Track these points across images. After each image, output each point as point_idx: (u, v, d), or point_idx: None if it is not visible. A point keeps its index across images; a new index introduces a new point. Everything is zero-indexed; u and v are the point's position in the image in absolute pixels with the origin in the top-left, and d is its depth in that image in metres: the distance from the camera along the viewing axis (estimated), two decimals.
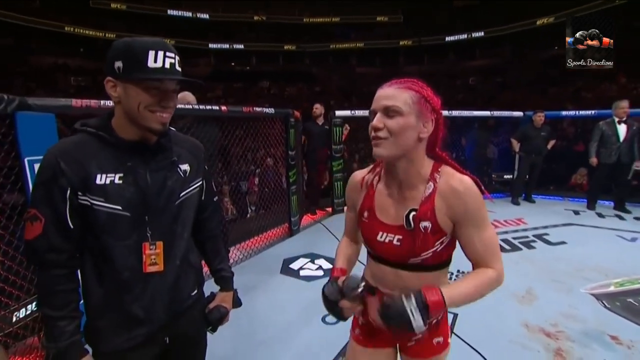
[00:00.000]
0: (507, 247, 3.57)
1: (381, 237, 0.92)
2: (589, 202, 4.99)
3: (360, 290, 0.91)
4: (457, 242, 0.93)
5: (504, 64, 21.38)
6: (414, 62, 24.07)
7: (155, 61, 0.79)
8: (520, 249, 3.50)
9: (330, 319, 2.29)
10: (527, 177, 5.35)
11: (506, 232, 3.98)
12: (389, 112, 0.83)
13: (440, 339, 1.00)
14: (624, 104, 4.57)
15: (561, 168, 6.53)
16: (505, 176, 5.91)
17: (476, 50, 23.53)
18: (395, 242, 0.90)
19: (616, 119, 4.60)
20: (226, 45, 25.42)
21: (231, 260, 3.19)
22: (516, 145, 5.29)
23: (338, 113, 4.83)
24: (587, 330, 2.13)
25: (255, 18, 25.29)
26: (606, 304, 2.43)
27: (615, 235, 3.84)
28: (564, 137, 7.76)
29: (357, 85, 22.52)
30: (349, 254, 1.12)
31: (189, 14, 24.51)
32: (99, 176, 0.82)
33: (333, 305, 0.95)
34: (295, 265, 3.22)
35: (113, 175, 0.83)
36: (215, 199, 1.13)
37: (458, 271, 2.89)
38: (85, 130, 0.86)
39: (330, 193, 5.03)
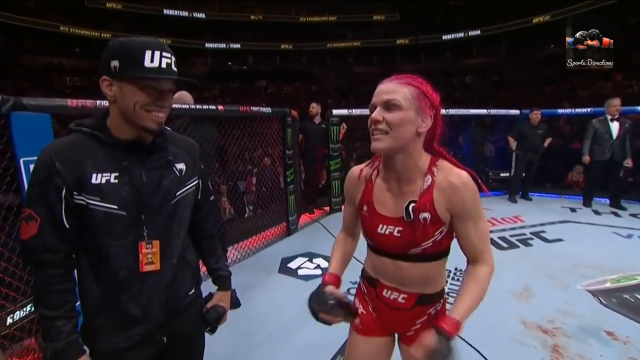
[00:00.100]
0: (504, 244, 3.58)
1: (381, 229, 0.94)
2: (585, 200, 5.03)
3: (329, 307, 0.95)
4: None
5: (501, 63, 21.46)
6: (410, 61, 24.09)
7: (152, 61, 0.80)
8: (518, 247, 3.51)
9: None
10: (524, 174, 5.37)
11: (503, 230, 4.00)
12: (389, 105, 0.85)
13: None
14: (616, 101, 4.62)
15: (558, 166, 6.56)
16: (502, 174, 5.93)
17: (473, 48, 23.60)
18: (395, 233, 0.92)
19: (609, 117, 4.65)
20: (223, 45, 25.36)
21: (229, 260, 3.18)
22: (513, 143, 5.31)
23: (335, 112, 4.83)
24: (583, 327, 2.14)
25: (252, 17, 25.23)
26: (602, 300, 2.44)
27: (611, 232, 3.87)
28: (560, 135, 7.79)
29: (354, 84, 22.53)
30: (344, 251, 1.14)
31: (185, 14, 24.42)
32: (94, 176, 0.82)
33: (315, 314, 0.98)
34: (293, 265, 3.22)
35: (109, 174, 0.83)
36: (211, 198, 1.13)
37: (456, 269, 2.91)
38: (80, 130, 0.86)
39: (328, 192, 5.03)
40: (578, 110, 5.75)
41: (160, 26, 23.12)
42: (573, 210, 4.83)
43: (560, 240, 3.66)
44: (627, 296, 2.48)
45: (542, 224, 4.17)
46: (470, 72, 22.06)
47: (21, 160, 1.65)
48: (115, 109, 0.85)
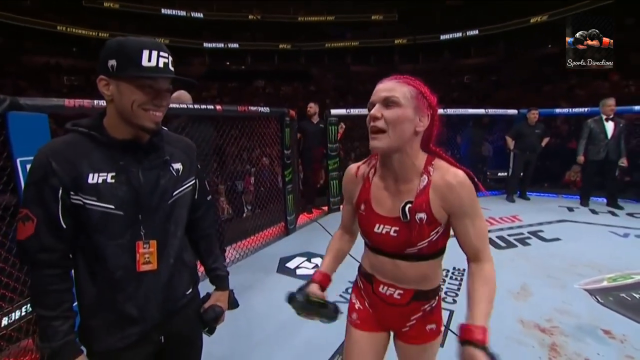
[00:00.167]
0: (502, 244, 3.59)
1: (378, 228, 0.95)
2: (581, 199, 5.05)
3: (305, 307, 1.00)
4: (450, 238, 0.95)
5: (499, 62, 21.51)
6: (409, 61, 24.12)
7: (150, 60, 0.80)
8: (515, 246, 3.53)
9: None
10: (522, 174, 5.39)
11: (501, 229, 4.01)
12: (388, 102, 0.86)
13: (433, 325, 1.03)
14: (611, 101, 4.64)
15: (555, 165, 6.59)
16: (500, 174, 5.95)
17: (471, 48, 23.65)
18: (392, 233, 0.93)
19: (604, 117, 4.67)
20: (221, 45, 25.31)
21: (227, 260, 3.18)
22: (511, 143, 5.32)
23: (333, 112, 4.83)
24: (580, 325, 2.15)
25: (250, 17, 25.20)
26: (599, 299, 2.46)
27: (608, 231, 3.89)
28: (557, 134, 7.82)
29: (352, 84, 22.55)
30: (338, 249, 1.17)
31: (183, 13, 24.36)
32: (91, 175, 0.82)
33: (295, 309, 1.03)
34: (291, 264, 3.22)
35: (105, 174, 0.83)
36: (208, 198, 1.13)
37: (454, 268, 2.92)
38: (76, 130, 0.86)
39: (326, 192, 5.02)
40: (575, 110, 5.77)
41: (158, 26, 23.05)
42: (570, 209, 4.85)
43: (557, 239, 3.67)
44: (624, 295, 2.49)
45: (540, 224, 4.18)
46: (468, 72, 22.11)
47: (18, 160, 1.64)
48: (112, 108, 0.85)
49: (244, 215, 5.56)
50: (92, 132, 0.84)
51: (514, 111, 5.80)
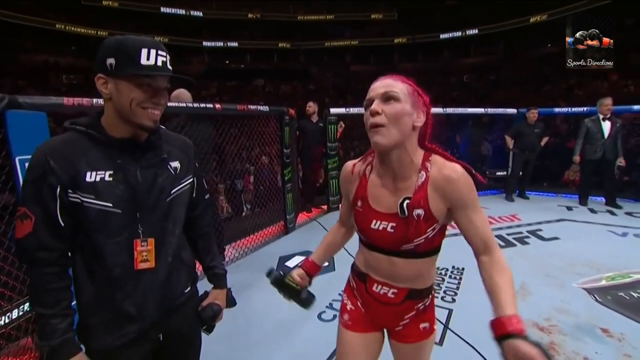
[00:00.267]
0: (501, 243, 3.60)
1: (375, 224, 0.95)
2: (580, 198, 5.06)
3: (279, 287, 1.11)
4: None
5: (498, 62, 21.53)
6: (408, 60, 24.14)
7: (148, 59, 0.80)
8: (515, 245, 3.53)
9: (326, 316, 2.30)
10: (521, 173, 5.39)
11: (500, 229, 4.01)
12: (387, 97, 0.86)
13: (427, 324, 1.03)
14: (608, 101, 4.66)
15: (554, 165, 6.59)
16: (499, 173, 5.95)
17: (470, 47, 23.65)
18: (389, 229, 0.93)
19: (601, 116, 4.69)
20: (220, 43, 25.29)
21: (227, 259, 3.18)
22: (510, 142, 5.33)
23: (333, 110, 4.82)
24: (579, 324, 2.16)
25: (250, 16, 25.16)
26: (598, 298, 2.46)
27: (606, 230, 3.90)
28: (557, 134, 7.82)
29: (351, 83, 22.53)
30: (331, 241, 1.21)
31: (183, 12, 24.32)
32: (88, 174, 0.82)
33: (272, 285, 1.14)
34: (291, 263, 3.22)
35: (103, 172, 0.83)
36: (206, 196, 1.13)
37: (453, 267, 2.92)
38: (74, 128, 0.86)
39: (326, 191, 5.03)
40: (574, 109, 5.78)
41: (157, 24, 23.02)
42: (569, 208, 4.86)
43: (556, 238, 3.68)
44: (622, 294, 2.50)
45: (539, 223, 4.19)
46: (467, 71, 22.13)
47: (17, 159, 1.64)
48: (110, 106, 0.85)
49: (243, 214, 5.57)
50: (89, 131, 0.85)
51: (513, 110, 5.81)
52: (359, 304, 1.07)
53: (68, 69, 19.78)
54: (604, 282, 2.68)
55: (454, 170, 0.89)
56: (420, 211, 0.89)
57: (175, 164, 0.96)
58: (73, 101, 1.91)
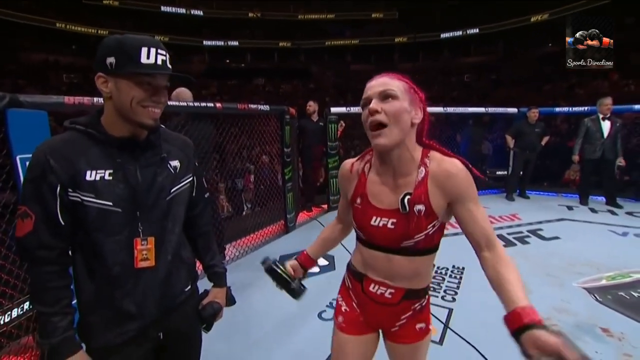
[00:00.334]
0: (501, 242, 3.56)
1: (375, 221, 0.94)
2: (580, 198, 5.06)
3: (272, 276, 1.16)
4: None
5: (499, 61, 21.49)
6: (408, 59, 24.09)
7: (148, 57, 0.81)
8: (515, 245, 3.53)
9: (327, 315, 2.30)
10: (522, 173, 5.39)
11: (501, 228, 4.01)
12: (385, 96, 0.86)
13: (423, 324, 1.02)
14: (608, 100, 4.65)
15: (555, 164, 6.59)
16: (499, 172, 5.95)
17: (471, 47, 23.62)
18: (389, 225, 0.92)
19: (600, 116, 4.69)
20: (221, 42, 25.28)
21: (227, 258, 3.18)
22: (510, 142, 5.32)
23: (333, 110, 4.82)
24: (579, 324, 2.16)
25: (250, 15, 25.14)
26: (598, 297, 2.46)
27: (607, 230, 3.90)
28: (557, 133, 7.83)
29: (352, 82, 22.49)
30: (327, 236, 1.23)
31: (183, 11, 24.31)
32: (88, 172, 0.82)
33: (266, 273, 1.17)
34: None
35: (103, 171, 0.84)
36: (206, 195, 1.14)
37: (453, 266, 2.92)
38: (74, 128, 0.86)
39: (326, 190, 5.03)
40: (575, 108, 5.77)
41: (157, 23, 23.01)
42: (570, 208, 4.86)
43: (557, 238, 3.68)
44: (622, 293, 2.50)
45: (539, 222, 4.19)
46: (468, 70, 22.10)
47: (17, 158, 1.64)
48: (110, 105, 0.85)
49: (244, 213, 5.57)
50: (89, 130, 0.85)
51: (514, 110, 5.80)
52: (354, 304, 1.06)
53: (68, 68, 19.78)
54: (604, 282, 2.68)
55: (453, 164, 0.89)
56: (421, 207, 0.89)
57: (175, 163, 0.97)
58: (74, 100, 1.91)
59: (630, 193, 5.24)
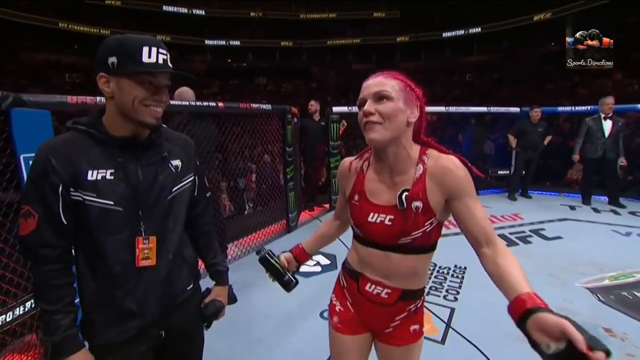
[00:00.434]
0: (503, 242, 3.59)
1: (372, 217, 0.94)
2: (583, 198, 5.04)
3: (265, 266, 1.17)
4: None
5: (501, 60, 21.41)
6: (410, 59, 24.04)
7: (149, 56, 0.81)
8: (517, 244, 3.52)
9: (328, 314, 2.30)
10: (524, 172, 5.38)
11: (503, 228, 4.01)
12: (380, 97, 0.87)
13: (417, 326, 1.02)
14: (609, 100, 4.63)
15: (557, 163, 6.57)
16: (501, 172, 5.93)
17: (473, 46, 23.54)
18: (387, 221, 0.92)
19: (602, 115, 4.67)
20: (222, 42, 25.29)
21: (229, 257, 3.19)
22: (513, 141, 5.31)
23: (335, 109, 4.82)
24: (581, 323, 2.12)
25: (252, 14, 25.15)
26: (600, 297, 2.45)
27: (610, 229, 3.88)
28: (560, 132, 7.79)
29: (353, 82, 22.42)
30: (324, 232, 1.25)
31: (185, 10, 24.33)
32: (89, 172, 0.83)
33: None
34: None
35: (104, 171, 0.84)
36: (207, 194, 1.14)
37: (455, 266, 2.91)
38: (75, 128, 0.87)
39: (328, 189, 5.03)
40: (578, 108, 5.75)
41: (159, 23, 23.04)
42: (572, 208, 4.85)
43: (559, 237, 3.67)
44: (625, 293, 2.49)
45: (542, 222, 4.18)
46: (470, 69, 22.01)
47: (21, 157, 1.65)
48: (112, 105, 0.86)
49: (246, 212, 5.58)
50: (90, 130, 0.86)
51: (516, 109, 5.78)
52: (348, 304, 1.05)
53: (70, 67, 19.81)
54: (607, 282, 2.67)
55: (451, 160, 0.89)
56: (418, 203, 0.88)
57: (176, 162, 0.97)
58: (77, 99, 1.92)
59: (633, 193, 5.22)
